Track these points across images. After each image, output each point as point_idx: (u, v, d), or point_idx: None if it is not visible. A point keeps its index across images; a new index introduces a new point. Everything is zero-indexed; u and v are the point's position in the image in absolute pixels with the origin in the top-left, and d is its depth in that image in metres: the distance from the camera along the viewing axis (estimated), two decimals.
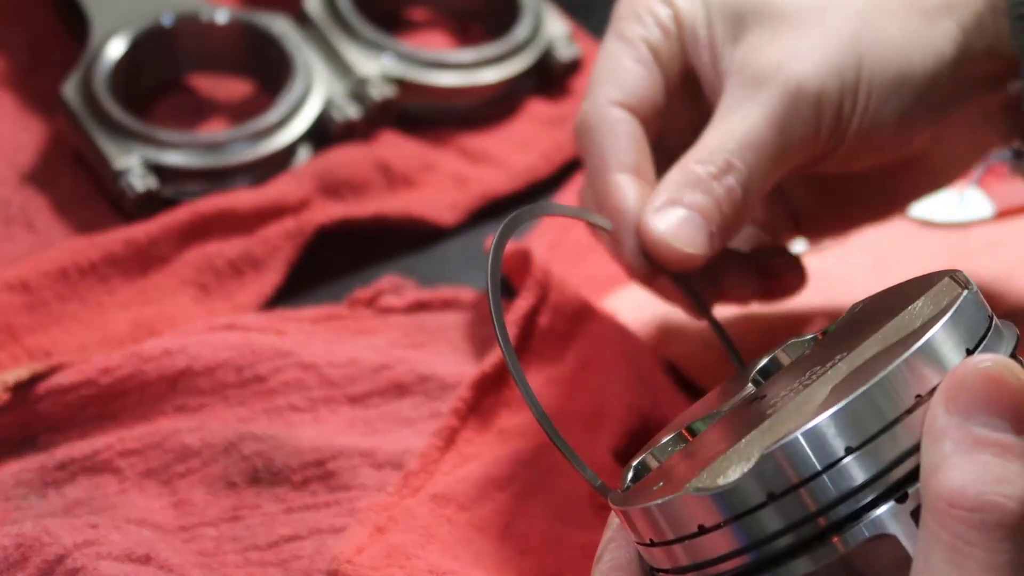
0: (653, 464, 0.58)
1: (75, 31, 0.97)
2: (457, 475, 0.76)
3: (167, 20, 0.96)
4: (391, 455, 0.77)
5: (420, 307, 0.86)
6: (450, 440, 0.78)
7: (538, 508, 0.75)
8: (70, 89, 0.92)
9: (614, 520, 0.59)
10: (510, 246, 0.86)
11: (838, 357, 0.55)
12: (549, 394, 0.81)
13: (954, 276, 0.56)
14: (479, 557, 0.73)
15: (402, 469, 0.76)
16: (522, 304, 0.83)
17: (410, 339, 0.84)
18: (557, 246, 0.90)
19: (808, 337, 0.61)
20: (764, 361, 0.61)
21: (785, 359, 0.61)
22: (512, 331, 0.81)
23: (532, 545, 0.74)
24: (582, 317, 0.82)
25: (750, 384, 0.61)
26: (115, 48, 0.93)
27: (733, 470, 0.52)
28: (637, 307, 0.86)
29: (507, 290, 0.86)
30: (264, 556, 0.74)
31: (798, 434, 0.51)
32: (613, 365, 0.80)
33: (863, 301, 0.61)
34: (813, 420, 0.51)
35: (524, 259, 0.84)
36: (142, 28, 0.95)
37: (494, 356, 0.80)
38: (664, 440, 0.59)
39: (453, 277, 0.89)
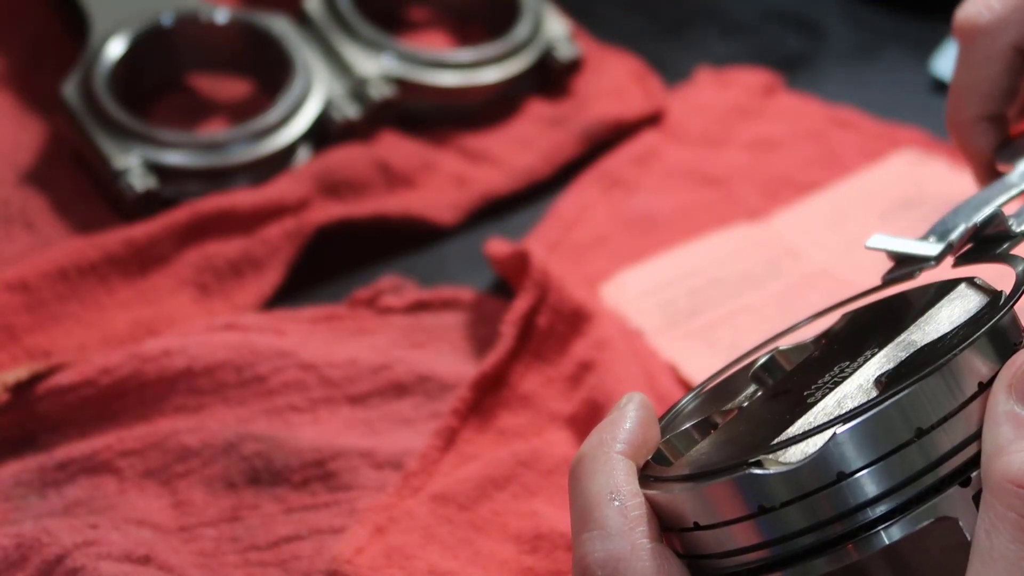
0: (674, 455, 0.58)
1: (75, 31, 0.97)
2: (457, 475, 0.76)
3: (167, 20, 0.96)
4: (391, 455, 0.77)
5: (420, 307, 0.86)
6: (450, 440, 0.78)
7: (538, 508, 0.75)
8: (70, 89, 0.92)
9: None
10: (510, 247, 0.86)
11: (868, 353, 0.56)
12: (549, 394, 0.80)
13: (973, 281, 0.57)
14: (479, 557, 0.73)
15: (402, 469, 0.76)
16: (521, 305, 0.82)
17: (410, 339, 0.84)
18: (557, 246, 0.90)
19: (808, 340, 0.61)
20: (762, 360, 0.61)
21: (784, 360, 0.61)
22: (511, 331, 0.81)
23: (533, 545, 0.74)
24: (581, 317, 0.82)
25: (752, 382, 0.61)
26: (115, 48, 0.93)
27: (794, 452, 0.52)
28: (636, 296, 0.86)
29: (506, 290, 0.86)
30: (264, 556, 0.74)
31: (872, 414, 0.52)
32: (613, 365, 0.80)
33: (854, 311, 0.62)
34: (884, 402, 0.52)
35: (523, 259, 0.84)
36: (142, 28, 0.95)
37: (494, 356, 0.80)
38: (681, 429, 0.59)
39: (453, 277, 0.89)
